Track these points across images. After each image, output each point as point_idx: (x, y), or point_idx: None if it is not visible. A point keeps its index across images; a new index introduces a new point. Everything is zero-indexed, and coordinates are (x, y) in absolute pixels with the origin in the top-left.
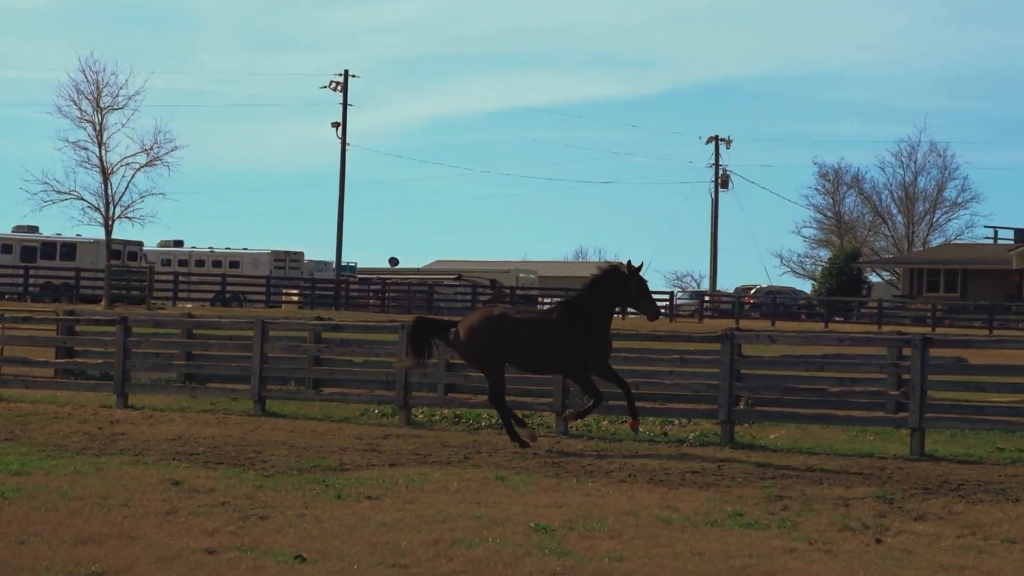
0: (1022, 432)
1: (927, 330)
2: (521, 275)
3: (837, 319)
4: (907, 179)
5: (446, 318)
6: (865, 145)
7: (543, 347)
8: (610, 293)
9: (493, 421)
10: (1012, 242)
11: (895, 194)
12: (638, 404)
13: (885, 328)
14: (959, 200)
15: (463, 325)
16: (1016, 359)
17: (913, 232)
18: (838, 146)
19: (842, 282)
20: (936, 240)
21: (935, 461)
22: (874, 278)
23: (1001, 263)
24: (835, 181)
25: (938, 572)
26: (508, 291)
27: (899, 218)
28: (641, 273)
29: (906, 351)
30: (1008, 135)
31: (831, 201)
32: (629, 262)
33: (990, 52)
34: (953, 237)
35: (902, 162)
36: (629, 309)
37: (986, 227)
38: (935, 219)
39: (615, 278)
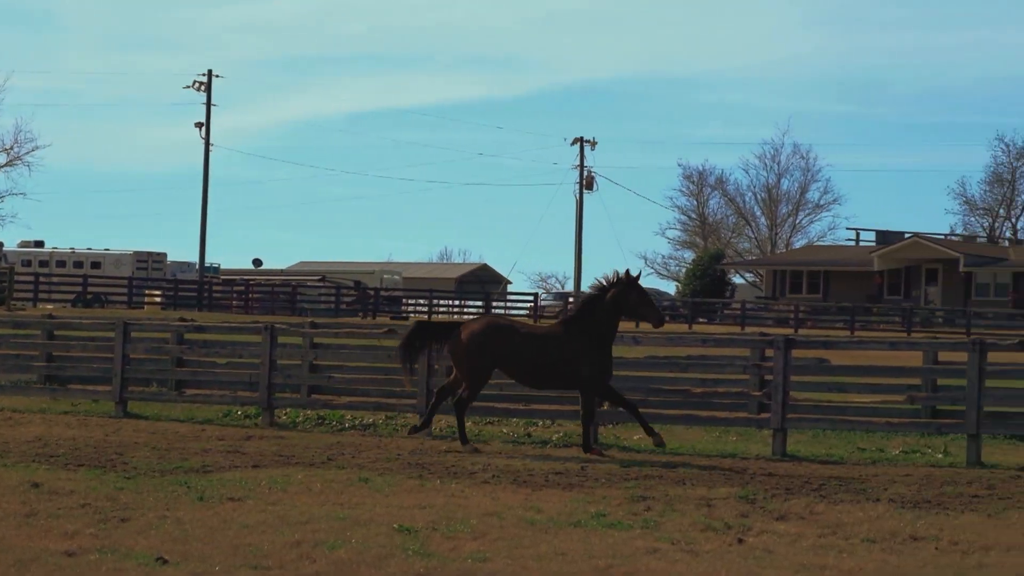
0: (882, 432)
1: (790, 331)
2: (385, 276)
3: (701, 320)
4: (770, 181)
5: (449, 320)
6: (729, 147)
7: (548, 361)
8: (611, 306)
9: (356, 422)
10: (874, 244)
11: (758, 196)
12: (501, 405)
13: (748, 329)
14: (822, 202)
15: (465, 329)
16: (877, 360)
17: (776, 234)
18: (703, 148)
19: (706, 284)
20: (799, 242)
21: (797, 461)
22: (738, 279)
23: (863, 264)
24: (699, 183)
25: (799, 572)
26: (372, 292)
27: (762, 220)
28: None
29: (769, 352)
30: (870, 138)
31: (695, 203)
32: (627, 271)
33: (853, 55)
34: (816, 239)
35: (765, 164)
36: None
37: (848, 229)
38: (798, 221)
39: (614, 290)
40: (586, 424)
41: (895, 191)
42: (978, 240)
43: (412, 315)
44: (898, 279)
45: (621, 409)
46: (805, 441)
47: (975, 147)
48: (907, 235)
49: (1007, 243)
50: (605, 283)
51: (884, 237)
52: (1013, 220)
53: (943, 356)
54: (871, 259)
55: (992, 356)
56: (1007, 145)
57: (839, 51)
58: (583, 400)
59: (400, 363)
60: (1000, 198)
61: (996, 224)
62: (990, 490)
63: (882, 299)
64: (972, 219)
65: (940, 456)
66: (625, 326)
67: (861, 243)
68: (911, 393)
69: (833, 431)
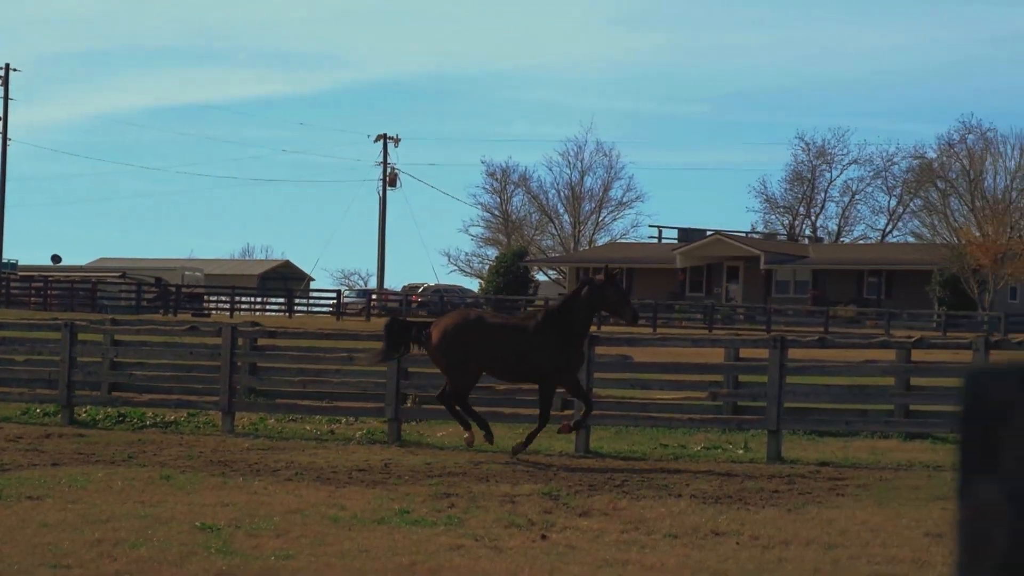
0: (685, 428)
1: (593, 328)
2: (187, 273)
3: None
4: (574, 178)
5: (418, 319)
6: (533, 145)
7: (518, 353)
8: (588, 301)
9: (158, 420)
10: (676, 241)
11: (562, 193)
12: (304, 403)
13: None
14: (624, 199)
15: (436, 327)
16: (680, 357)
17: (579, 231)
18: (507, 146)
19: (509, 280)
20: (602, 239)
21: (600, 458)
22: (541, 276)
23: (665, 262)
24: (503, 180)
25: (602, 567)
26: (174, 289)
27: (566, 217)
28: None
29: None
30: (673, 136)
31: (499, 200)
32: (607, 267)
33: (656, 54)
34: (619, 236)
35: (569, 161)
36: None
37: (651, 226)
38: (601, 218)
39: (592, 286)
40: (541, 425)
41: (697, 189)
42: (779, 238)
43: (214, 312)
44: (700, 276)
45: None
46: (608, 438)
47: (776, 146)
48: (709, 233)
49: (807, 241)
50: (580, 284)
51: (686, 235)
52: (813, 218)
53: (745, 353)
54: (674, 256)
55: (793, 353)
56: (807, 144)
57: (643, 50)
58: (541, 396)
59: (382, 355)
60: (800, 196)
61: (796, 222)
62: (790, 485)
63: (684, 296)
64: (773, 217)
65: (741, 452)
66: None
67: (664, 241)
68: (713, 390)
69: (636, 427)
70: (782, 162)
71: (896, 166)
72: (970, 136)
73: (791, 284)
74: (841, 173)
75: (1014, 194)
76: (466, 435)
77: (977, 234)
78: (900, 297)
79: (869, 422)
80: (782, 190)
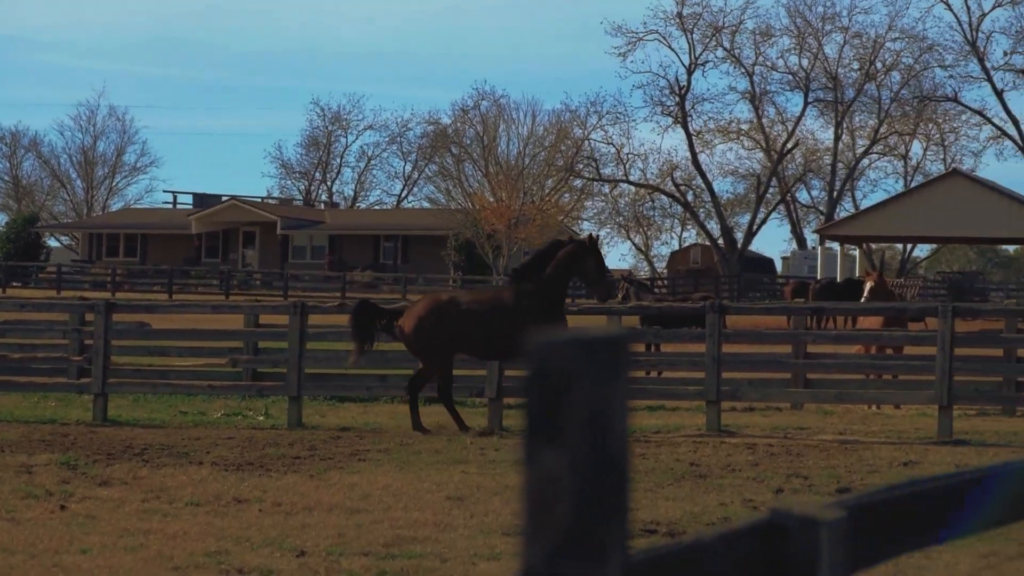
0: (203, 395)
1: (108, 295)
2: None
3: (15, 285)
4: (86, 143)
5: (390, 307)
6: (44, 109)
7: (497, 330)
8: (565, 266)
9: None
10: (191, 207)
11: (74, 158)
12: None
13: (65, 293)
14: (139, 165)
15: (409, 314)
16: (200, 323)
17: (93, 197)
18: (16, 110)
19: (20, 247)
20: (116, 205)
21: (119, 426)
22: (53, 243)
23: (181, 228)
24: (12, 144)
25: (123, 536)
26: None
27: (79, 182)
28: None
29: (89, 316)
30: (188, 100)
31: (8, 165)
32: (590, 234)
33: (168, 18)
34: (133, 202)
35: (81, 126)
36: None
37: (166, 192)
38: (115, 184)
39: (572, 248)
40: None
41: (213, 154)
42: (295, 204)
43: None
44: (216, 242)
45: None
46: (127, 406)
47: (292, 111)
48: (225, 198)
49: (323, 207)
50: (559, 241)
51: (202, 200)
52: (329, 184)
53: (265, 319)
54: (189, 222)
55: (313, 318)
56: (323, 109)
57: (157, 12)
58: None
59: (354, 343)
60: (316, 162)
61: (313, 188)
62: (312, 451)
63: (200, 262)
64: (289, 183)
65: (262, 418)
66: None
67: (179, 206)
68: (233, 356)
69: (155, 395)
70: (298, 127)
71: (411, 132)
72: (484, 102)
73: (308, 249)
74: (357, 139)
75: (526, 160)
76: (468, 433)
77: (491, 199)
78: (416, 262)
79: (389, 387)
80: (298, 155)
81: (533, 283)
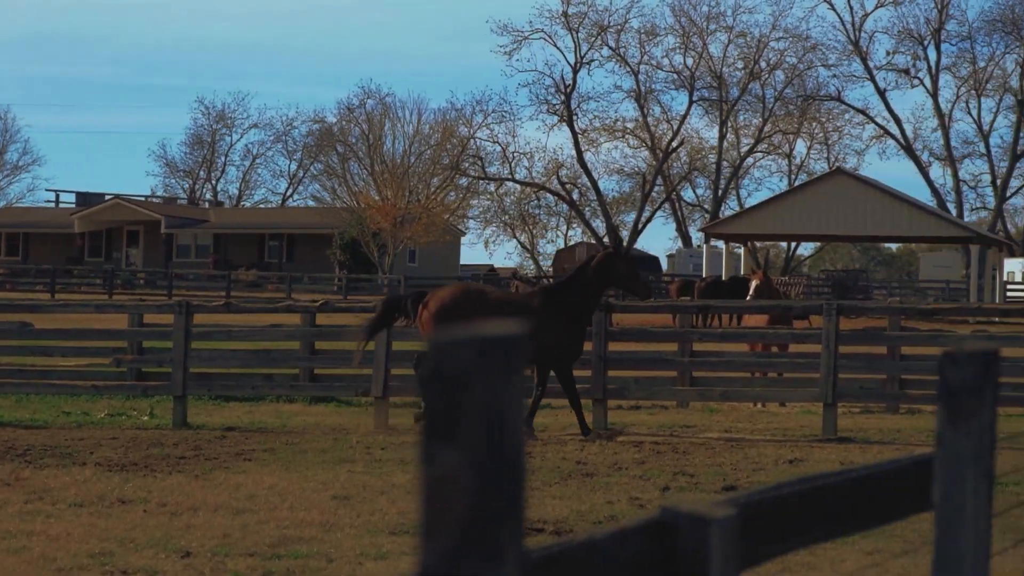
0: (87, 395)
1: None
2: None
3: None
4: None
5: (413, 290)
6: None
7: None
8: (596, 277)
9: None
10: (74, 206)
11: None
12: None
13: None
14: (21, 163)
15: (434, 298)
16: (84, 323)
17: None
18: None
19: None
20: None
21: (1, 427)
22: None
23: (63, 227)
24: None
25: (5, 538)
26: None
27: None
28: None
29: None
30: (70, 98)
31: None
32: (617, 238)
33: (53, 12)
34: (15, 201)
35: None
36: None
37: (48, 191)
38: None
39: (601, 258)
40: (574, 406)
41: (96, 152)
42: (180, 203)
43: None
44: (100, 241)
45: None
46: (9, 406)
47: (176, 109)
48: (108, 197)
49: (208, 205)
50: (590, 257)
51: (85, 199)
52: (214, 183)
53: (149, 318)
54: (72, 221)
55: (198, 318)
56: (207, 108)
57: (39, 8)
58: (561, 379)
59: (362, 339)
60: (201, 160)
61: (197, 187)
62: (197, 451)
63: (83, 261)
64: (174, 181)
65: (147, 418)
66: None
67: (62, 205)
68: (117, 356)
69: (38, 395)
70: (183, 126)
71: (296, 130)
72: (369, 101)
73: (192, 248)
74: (242, 137)
75: (412, 158)
76: None
77: (377, 198)
78: (302, 261)
79: (275, 386)
80: (183, 154)
81: (564, 295)
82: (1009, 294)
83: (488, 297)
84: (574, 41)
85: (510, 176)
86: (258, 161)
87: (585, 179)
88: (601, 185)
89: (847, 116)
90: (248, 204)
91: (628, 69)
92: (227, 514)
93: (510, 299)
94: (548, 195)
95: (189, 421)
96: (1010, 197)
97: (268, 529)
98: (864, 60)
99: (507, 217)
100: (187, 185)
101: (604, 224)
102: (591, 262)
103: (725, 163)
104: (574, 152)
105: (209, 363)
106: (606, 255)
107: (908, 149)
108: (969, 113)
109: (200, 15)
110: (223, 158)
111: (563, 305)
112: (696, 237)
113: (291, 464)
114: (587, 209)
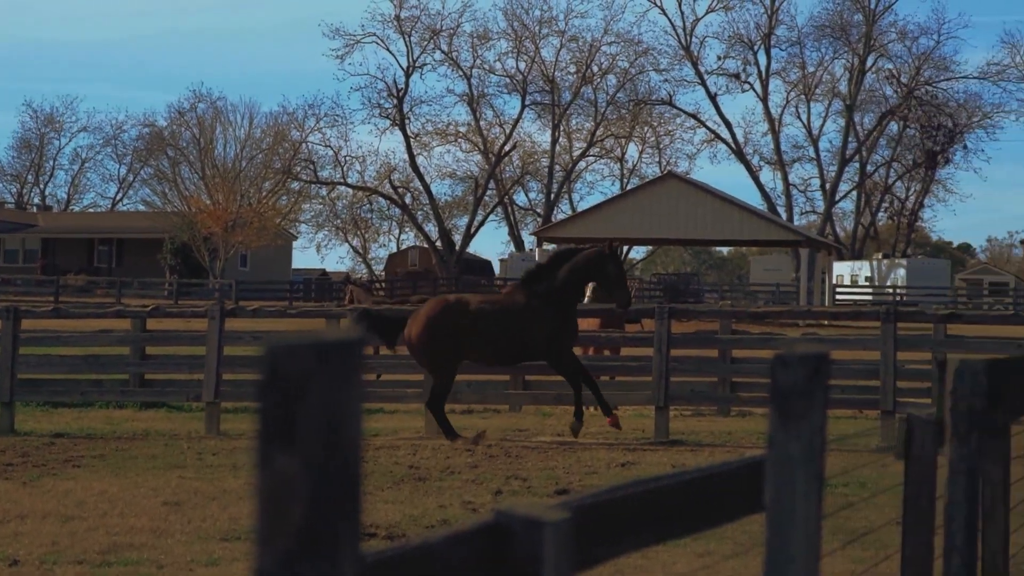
0: None
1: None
2: None
3: None
4: None
5: (394, 309)
6: None
7: (511, 334)
8: (583, 269)
9: None
10: None
11: None
12: None
13: None
14: None
15: (416, 319)
16: None
17: None
18: None
19: None
20: None
21: None
22: None
23: None
24: None
25: None
26: None
27: None
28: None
29: None
30: None
31: None
32: (610, 242)
33: None
34: None
35: None
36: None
37: None
38: None
39: (592, 254)
40: (594, 391)
41: None
42: (7, 207)
43: None
44: None
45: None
46: None
47: (2, 112)
48: None
49: (36, 210)
50: (579, 248)
51: None
52: (42, 187)
53: None
54: None
55: (26, 323)
56: (35, 111)
57: None
58: (563, 371)
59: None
60: (29, 164)
61: (25, 191)
62: (24, 458)
63: None
64: (1, 185)
65: None
66: None
67: None
68: None
69: None
70: (10, 129)
71: (126, 134)
72: (201, 105)
73: (20, 253)
74: (70, 141)
75: (244, 163)
76: (456, 442)
77: (208, 202)
78: (132, 265)
79: (105, 392)
80: (10, 158)
81: (545, 285)
82: (838, 297)
83: (469, 305)
84: (407, 45)
85: (342, 180)
86: (87, 165)
87: (418, 183)
88: (434, 189)
89: (679, 120)
90: (77, 208)
91: (461, 73)
92: (56, 521)
93: (492, 300)
94: (380, 199)
95: (16, 428)
96: (839, 201)
97: (98, 536)
98: (695, 65)
99: (339, 221)
100: (15, 189)
101: (437, 228)
102: (578, 256)
103: (558, 167)
104: (407, 156)
105: (37, 369)
106: (599, 253)
107: (739, 153)
108: (799, 118)
109: (27, 16)
110: (51, 162)
111: (547, 297)
112: (529, 241)
113: (121, 470)
114: (420, 213)
